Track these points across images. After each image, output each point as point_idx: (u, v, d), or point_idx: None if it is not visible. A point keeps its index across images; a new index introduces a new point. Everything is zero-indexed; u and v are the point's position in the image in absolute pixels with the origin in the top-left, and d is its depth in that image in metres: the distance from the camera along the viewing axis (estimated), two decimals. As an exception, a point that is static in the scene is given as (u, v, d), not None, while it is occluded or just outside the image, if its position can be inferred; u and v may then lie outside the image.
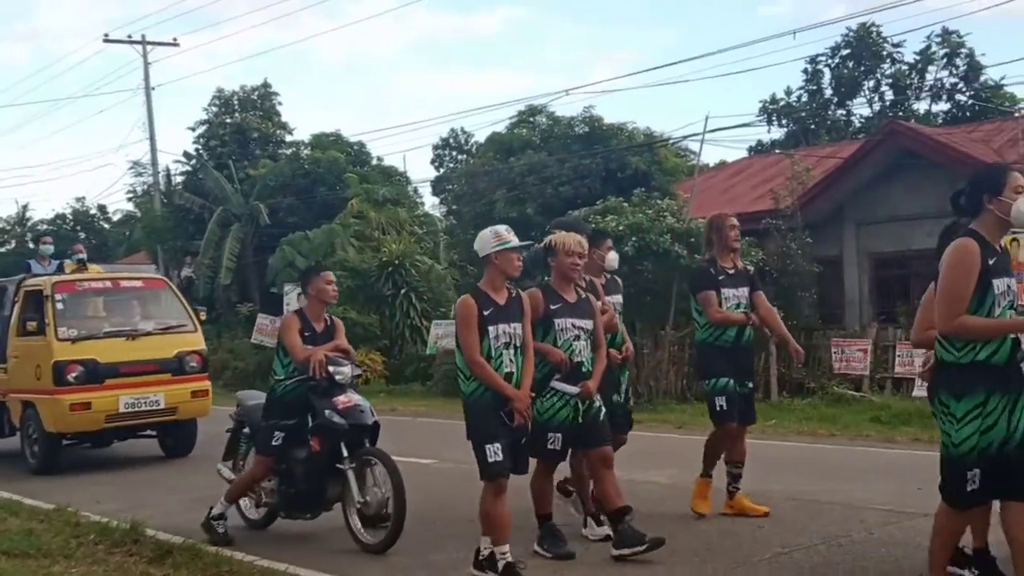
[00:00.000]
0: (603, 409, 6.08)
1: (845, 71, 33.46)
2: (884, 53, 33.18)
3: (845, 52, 33.26)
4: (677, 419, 13.94)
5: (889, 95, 33.34)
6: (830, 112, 33.98)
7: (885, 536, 6.39)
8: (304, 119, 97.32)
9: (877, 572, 5.67)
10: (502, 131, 26.09)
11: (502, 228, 5.71)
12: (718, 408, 6.80)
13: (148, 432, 11.51)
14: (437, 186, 37.15)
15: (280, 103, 36.79)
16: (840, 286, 19.26)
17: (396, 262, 22.44)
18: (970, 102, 31.06)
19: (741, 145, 34.33)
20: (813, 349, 16.25)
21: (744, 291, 6.92)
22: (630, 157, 22.55)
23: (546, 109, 25.71)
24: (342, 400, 6.64)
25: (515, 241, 5.64)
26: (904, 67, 33.15)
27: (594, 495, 6.45)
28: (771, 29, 63.45)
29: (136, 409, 10.75)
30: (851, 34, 32.81)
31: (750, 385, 7.06)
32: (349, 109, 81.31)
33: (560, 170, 22.84)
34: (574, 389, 5.90)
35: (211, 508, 7.12)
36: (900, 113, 30.82)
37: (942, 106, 32.63)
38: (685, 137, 28.43)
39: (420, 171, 57.92)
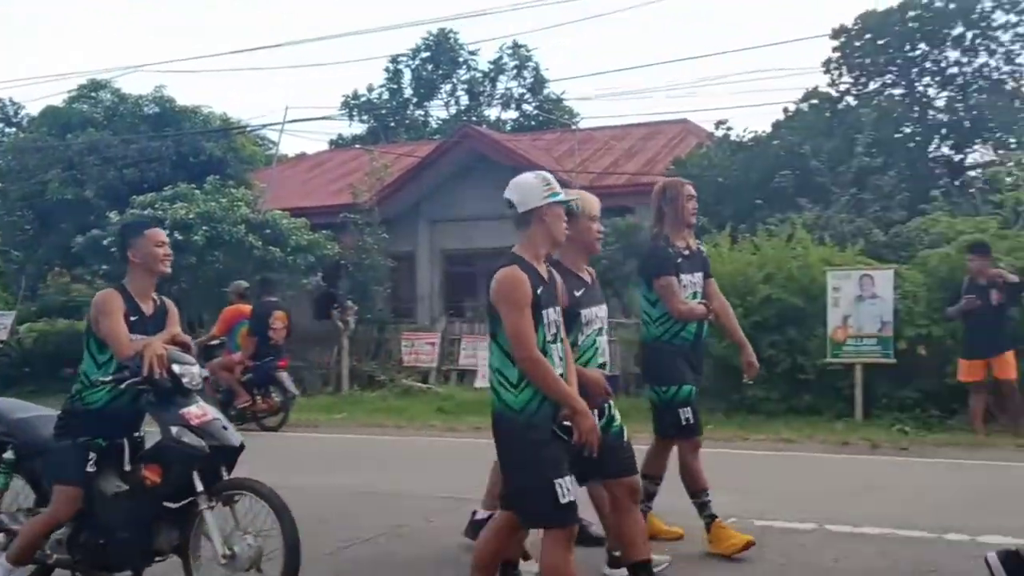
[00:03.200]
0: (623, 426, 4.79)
1: (424, 73, 34.88)
2: (461, 59, 35.06)
3: (425, 55, 34.68)
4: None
5: (464, 100, 35.28)
6: (409, 111, 35.22)
7: (443, 523, 6.58)
8: None
9: (434, 559, 5.83)
10: (59, 104, 23.86)
11: (548, 173, 4.26)
12: (683, 421, 5.49)
13: None
14: (-20, 160, 33.22)
15: None
16: (413, 281, 19.99)
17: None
18: (535, 112, 33.75)
19: (322, 138, 34.53)
20: (385, 343, 16.72)
21: (699, 276, 5.70)
22: (205, 142, 21.67)
23: (111, 84, 23.96)
24: (195, 413, 4.84)
25: (563, 193, 4.22)
26: (478, 74, 35.27)
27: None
28: (355, 25, 64.60)
29: None
30: (431, 38, 34.29)
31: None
32: None
33: (126, 151, 21.37)
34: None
35: None
36: (474, 118, 32.72)
37: (511, 114, 35.18)
38: (265, 126, 27.94)
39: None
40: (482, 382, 13.47)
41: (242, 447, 4.91)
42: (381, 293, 17.68)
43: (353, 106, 34.89)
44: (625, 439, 4.68)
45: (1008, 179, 13.65)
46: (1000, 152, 17.88)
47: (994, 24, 19.95)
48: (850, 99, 19.99)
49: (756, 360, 5.87)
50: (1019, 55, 19.93)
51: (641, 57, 61.70)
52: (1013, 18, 19.90)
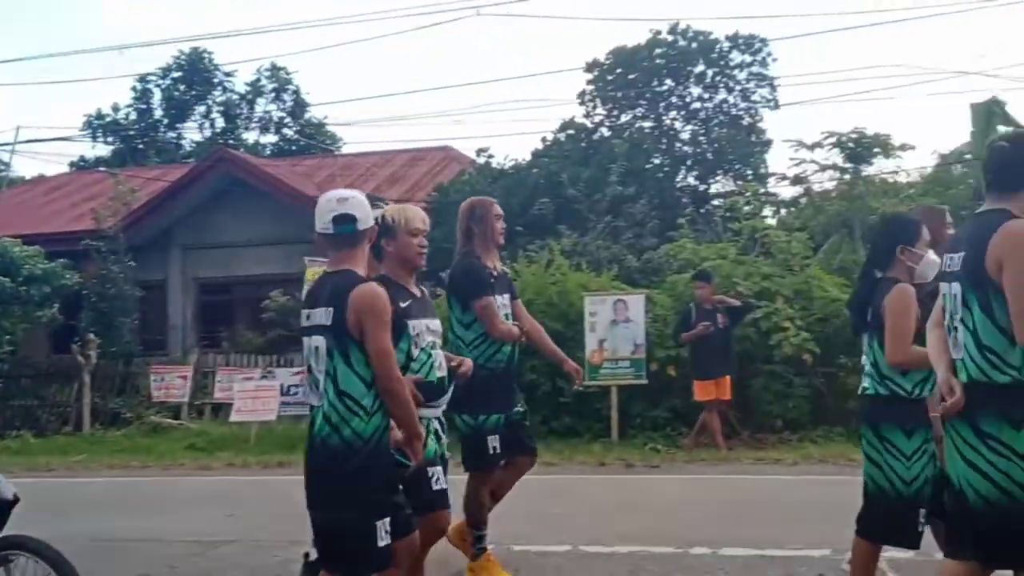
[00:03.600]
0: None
1: (176, 93, 33.56)
2: (216, 80, 33.98)
3: (177, 74, 33.38)
4: None
5: (220, 122, 34.19)
6: (160, 133, 33.74)
7: (189, 569, 6.25)
8: None
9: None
10: None
11: None
12: (491, 450, 5.29)
13: None
14: None
15: None
16: (164, 311, 19.04)
17: None
18: (296, 137, 33.19)
19: (62, 160, 32.50)
20: (132, 377, 15.82)
21: (507, 298, 5.56)
22: (-77, 162, 19.89)
23: None
24: None
25: None
26: (235, 96, 34.30)
27: None
28: (98, 41, 60.94)
29: None
30: (183, 57, 33.04)
31: (521, 410, 5.63)
32: None
33: None
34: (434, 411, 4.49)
35: None
36: (230, 141, 31.75)
37: (270, 138, 34.43)
38: (-5, 145, 25.90)
39: None
40: (238, 416, 12.98)
41: (16, 500, 4.41)
42: (128, 325, 16.74)
43: (97, 126, 33.05)
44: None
45: (746, 208, 14.66)
46: (739, 183, 19.24)
47: (732, 63, 21.53)
48: (604, 130, 20.94)
49: (578, 365, 5.85)
50: (754, 93, 21.62)
51: (404, 84, 62.16)
52: (748, 58, 21.56)
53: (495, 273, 5.48)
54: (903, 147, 16.85)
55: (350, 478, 3.69)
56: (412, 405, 3.82)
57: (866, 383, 4.39)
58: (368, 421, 3.72)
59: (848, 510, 4.50)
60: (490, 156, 18.87)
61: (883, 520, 4.27)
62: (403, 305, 4.34)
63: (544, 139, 20.08)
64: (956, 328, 3.45)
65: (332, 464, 3.73)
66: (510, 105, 44.79)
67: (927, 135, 58.78)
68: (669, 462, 10.21)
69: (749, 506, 7.70)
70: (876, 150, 16.70)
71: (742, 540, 6.15)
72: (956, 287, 3.44)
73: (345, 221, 3.85)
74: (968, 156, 17.92)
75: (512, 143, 55.78)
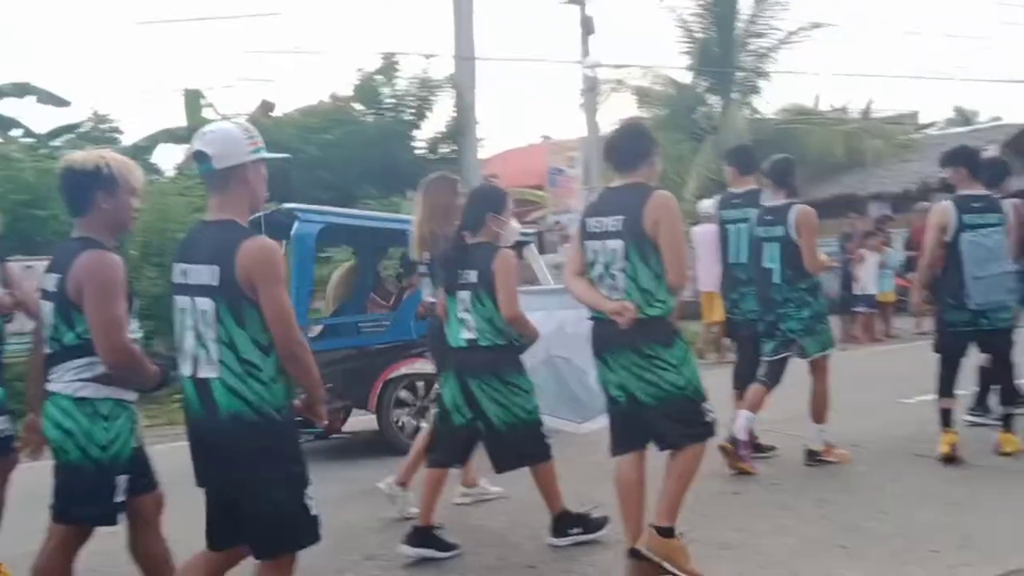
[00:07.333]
0: None
1: None
2: None
3: None
4: None
5: None
6: None
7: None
8: None
9: None
10: None
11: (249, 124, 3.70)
12: None
13: None
14: None
15: None
16: None
17: None
18: None
19: None
20: None
21: None
22: None
23: None
24: None
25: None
26: None
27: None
28: None
29: None
30: None
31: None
32: None
33: None
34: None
35: None
36: None
37: None
38: None
39: None
40: None
41: None
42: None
43: None
44: None
45: None
46: None
47: None
48: None
49: None
50: None
51: None
52: None
53: None
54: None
55: (277, 452, 3.43)
56: (315, 368, 3.54)
57: (472, 335, 4.97)
58: (274, 390, 3.40)
59: None
60: None
61: (515, 447, 4.98)
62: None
63: None
64: (614, 276, 4.40)
65: (257, 440, 3.39)
66: None
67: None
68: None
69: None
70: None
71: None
72: (616, 243, 4.37)
73: (201, 159, 3.49)
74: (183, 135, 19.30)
75: None
